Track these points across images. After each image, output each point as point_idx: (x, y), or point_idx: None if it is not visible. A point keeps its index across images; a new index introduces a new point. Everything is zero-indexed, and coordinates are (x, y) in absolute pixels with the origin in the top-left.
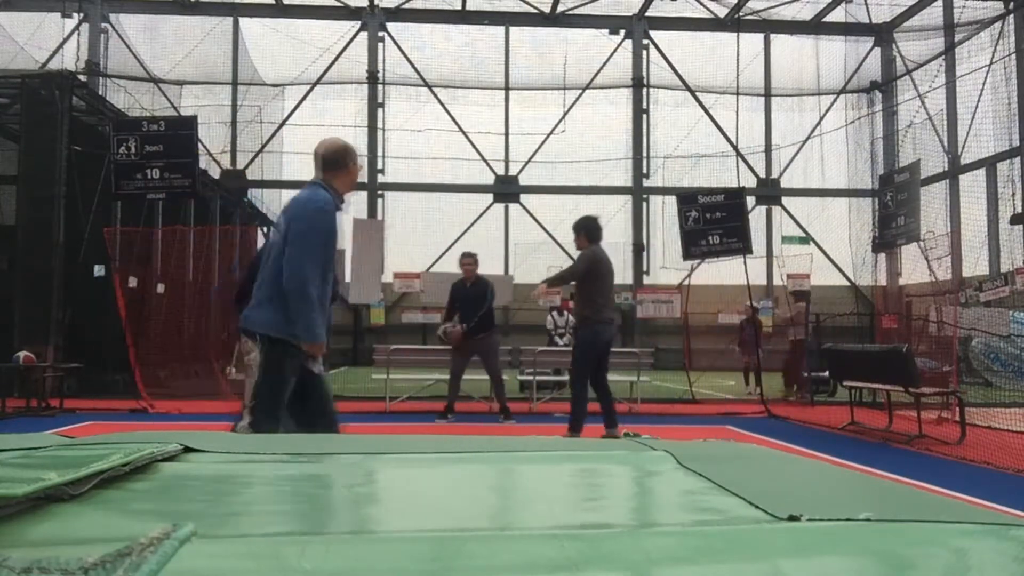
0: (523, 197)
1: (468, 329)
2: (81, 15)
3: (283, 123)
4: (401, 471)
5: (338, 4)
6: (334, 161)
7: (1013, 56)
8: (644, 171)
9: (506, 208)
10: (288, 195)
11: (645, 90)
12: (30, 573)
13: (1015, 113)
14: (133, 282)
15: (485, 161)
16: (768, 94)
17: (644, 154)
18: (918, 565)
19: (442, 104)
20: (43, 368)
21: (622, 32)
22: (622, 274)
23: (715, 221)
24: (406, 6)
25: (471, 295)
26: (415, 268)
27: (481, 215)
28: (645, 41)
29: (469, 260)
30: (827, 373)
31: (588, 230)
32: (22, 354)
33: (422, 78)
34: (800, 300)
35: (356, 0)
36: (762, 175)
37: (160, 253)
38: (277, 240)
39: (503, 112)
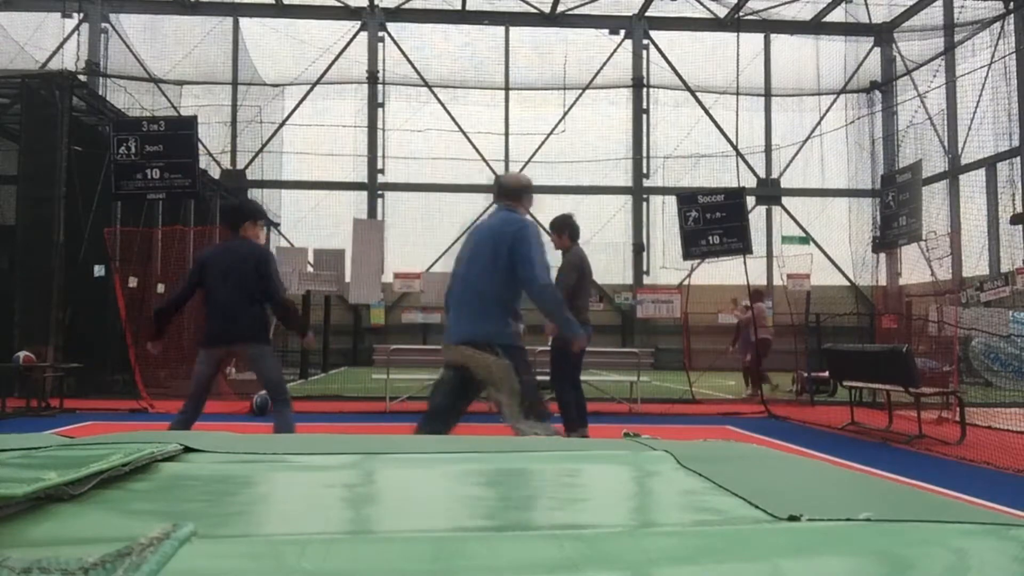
0: None
1: None
2: (81, 15)
3: (283, 123)
4: (401, 471)
5: (338, 4)
6: (516, 193)
7: (1013, 56)
8: (644, 171)
9: None
10: (288, 195)
11: (645, 90)
12: (30, 573)
13: (1015, 113)
14: (133, 282)
15: (485, 161)
16: (768, 94)
17: (644, 154)
18: (918, 565)
19: (442, 104)
20: (43, 368)
21: (622, 32)
22: (622, 274)
23: (715, 221)
24: (406, 6)
25: None
26: (415, 268)
27: (481, 215)
28: (645, 41)
29: None
30: (827, 373)
31: (572, 229)
32: (22, 354)
33: (422, 78)
34: (756, 301)
35: (356, 0)
36: (762, 175)
37: (160, 253)
38: (482, 261)
39: (503, 112)
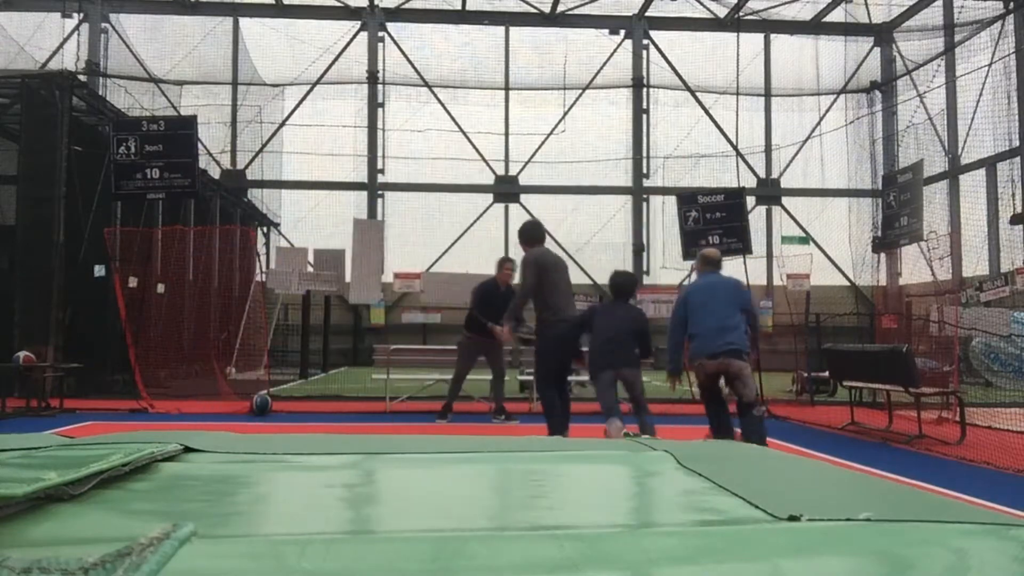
0: (523, 197)
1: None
2: (81, 15)
3: (283, 123)
4: (401, 471)
5: (338, 4)
6: (720, 262)
7: (1013, 56)
8: (644, 171)
9: (506, 208)
10: (288, 195)
11: (645, 90)
12: (30, 573)
13: (1015, 113)
14: (133, 282)
15: (485, 161)
16: (768, 94)
17: (644, 154)
18: (918, 565)
19: (442, 104)
20: (43, 368)
21: (622, 32)
22: None
23: (715, 221)
24: (406, 6)
25: (505, 300)
26: (415, 268)
27: (481, 215)
28: (645, 41)
29: (511, 266)
30: (827, 373)
31: (525, 234)
32: (22, 354)
33: (422, 78)
34: None
35: (356, 0)
36: (762, 175)
37: (160, 253)
38: (730, 304)
39: (503, 112)
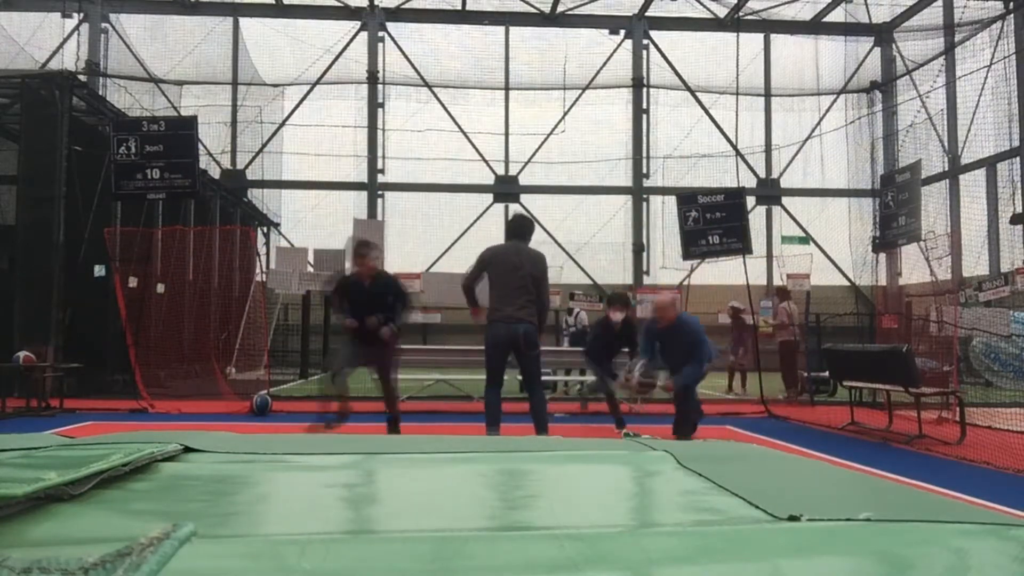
0: (523, 197)
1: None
2: (81, 15)
3: (283, 123)
4: (401, 471)
5: (338, 4)
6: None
7: (1013, 56)
8: (644, 171)
9: (506, 208)
10: (288, 195)
11: (645, 90)
12: (30, 573)
13: (1015, 113)
14: (133, 282)
15: (485, 161)
16: (768, 94)
17: (644, 154)
18: (918, 565)
19: (442, 104)
20: (43, 368)
21: (622, 32)
22: (622, 274)
23: (715, 221)
24: (406, 6)
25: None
26: (415, 268)
27: (481, 215)
28: (645, 41)
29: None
30: (827, 373)
31: (507, 229)
32: (22, 354)
33: (422, 78)
34: (784, 299)
35: (356, 0)
36: (762, 175)
37: (160, 253)
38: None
39: (503, 112)
